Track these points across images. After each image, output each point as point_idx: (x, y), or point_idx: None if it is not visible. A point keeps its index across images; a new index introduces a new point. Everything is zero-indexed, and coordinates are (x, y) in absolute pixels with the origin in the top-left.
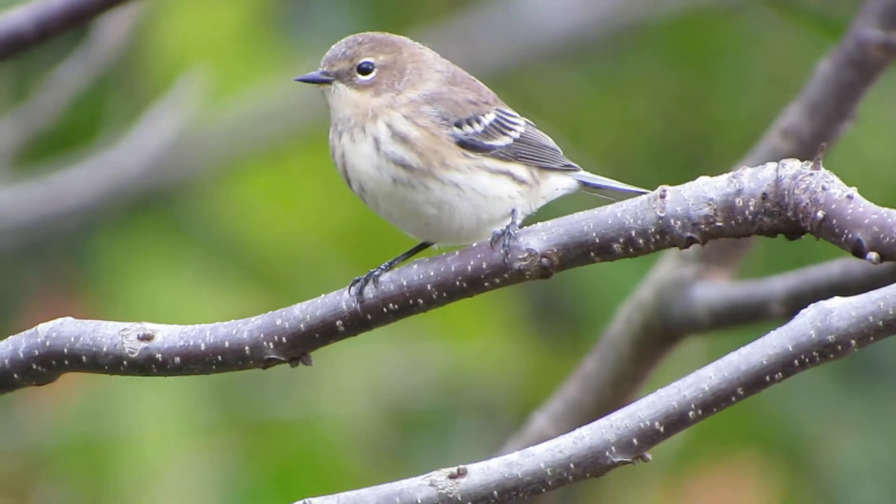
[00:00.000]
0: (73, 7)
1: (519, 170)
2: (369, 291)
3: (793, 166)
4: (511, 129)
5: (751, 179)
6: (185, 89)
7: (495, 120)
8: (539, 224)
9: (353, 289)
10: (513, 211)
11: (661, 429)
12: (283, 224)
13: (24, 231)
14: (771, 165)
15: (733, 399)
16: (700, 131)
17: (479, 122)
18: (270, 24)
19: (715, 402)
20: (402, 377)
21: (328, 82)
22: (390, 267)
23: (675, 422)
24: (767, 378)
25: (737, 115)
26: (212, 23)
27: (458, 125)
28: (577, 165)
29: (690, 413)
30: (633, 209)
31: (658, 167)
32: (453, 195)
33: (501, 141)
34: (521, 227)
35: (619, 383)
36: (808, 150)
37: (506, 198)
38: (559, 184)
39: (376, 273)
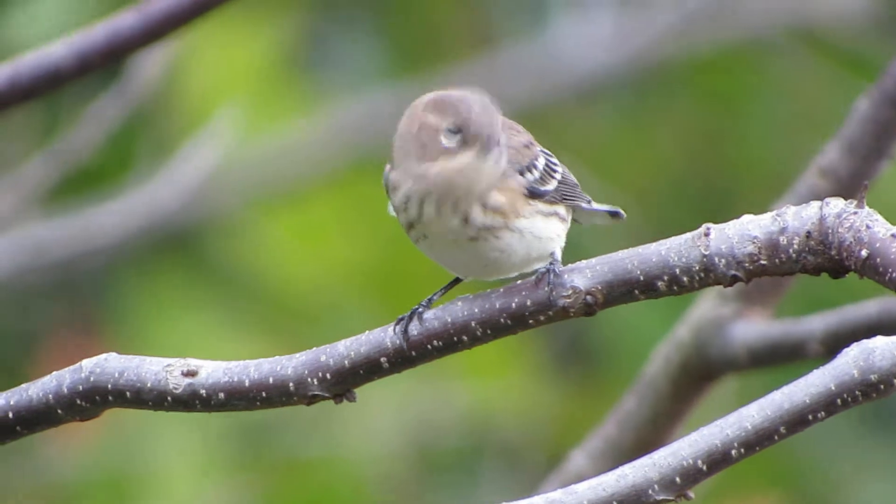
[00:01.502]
0: (113, 41)
1: (562, 209)
2: (414, 328)
3: (837, 205)
4: (556, 172)
5: (795, 218)
6: (219, 126)
7: (546, 164)
8: (583, 262)
9: (398, 326)
10: (552, 252)
11: (704, 467)
12: (307, 264)
13: (59, 266)
14: (815, 204)
15: (776, 438)
16: (726, 170)
17: (535, 168)
18: (292, 62)
19: (758, 441)
20: (428, 417)
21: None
22: (430, 303)
23: (718, 460)
24: (810, 417)
25: (763, 155)
26: (234, 62)
27: (521, 173)
28: (590, 198)
29: (733, 451)
30: (676, 247)
31: (684, 205)
32: (517, 240)
33: (551, 185)
34: (571, 253)
35: (657, 421)
36: (845, 188)
37: (554, 237)
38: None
39: (420, 310)
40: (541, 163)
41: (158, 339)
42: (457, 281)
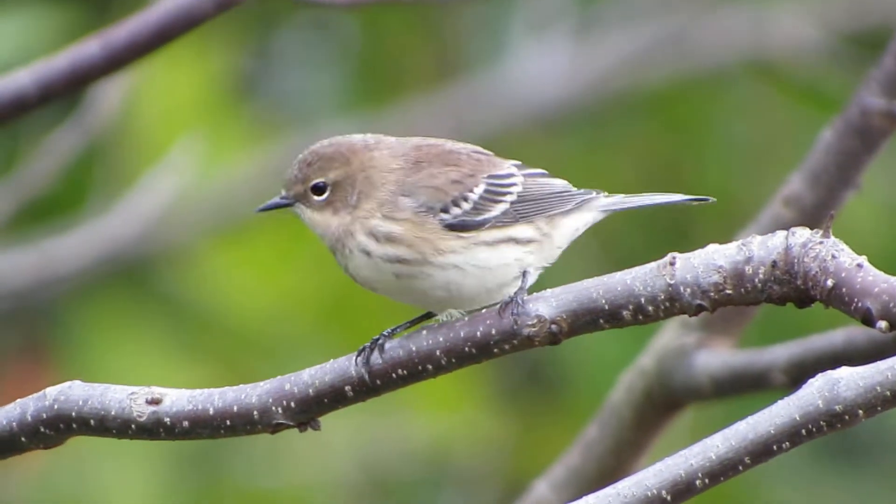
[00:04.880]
0: (77, 70)
1: (523, 230)
2: (377, 357)
3: (802, 234)
4: (505, 194)
5: (760, 247)
6: (176, 158)
7: (485, 191)
8: (548, 290)
9: (359, 356)
10: (523, 274)
11: (669, 497)
12: (259, 296)
13: (16, 296)
14: (781, 233)
15: (740, 468)
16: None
17: (466, 200)
18: (245, 93)
19: (722, 471)
20: (386, 447)
21: (290, 205)
22: (392, 334)
23: (682, 490)
24: (775, 447)
25: (722, 185)
26: (187, 93)
27: (445, 210)
28: (593, 192)
29: (697, 482)
30: (642, 276)
31: (643, 235)
32: (456, 275)
33: (496, 210)
34: (536, 282)
35: (620, 451)
36: (810, 218)
37: (512, 262)
38: (577, 223)
39: (381, 340)
40: (476, 192)
41: (112, 369)
42: (428, 315)
